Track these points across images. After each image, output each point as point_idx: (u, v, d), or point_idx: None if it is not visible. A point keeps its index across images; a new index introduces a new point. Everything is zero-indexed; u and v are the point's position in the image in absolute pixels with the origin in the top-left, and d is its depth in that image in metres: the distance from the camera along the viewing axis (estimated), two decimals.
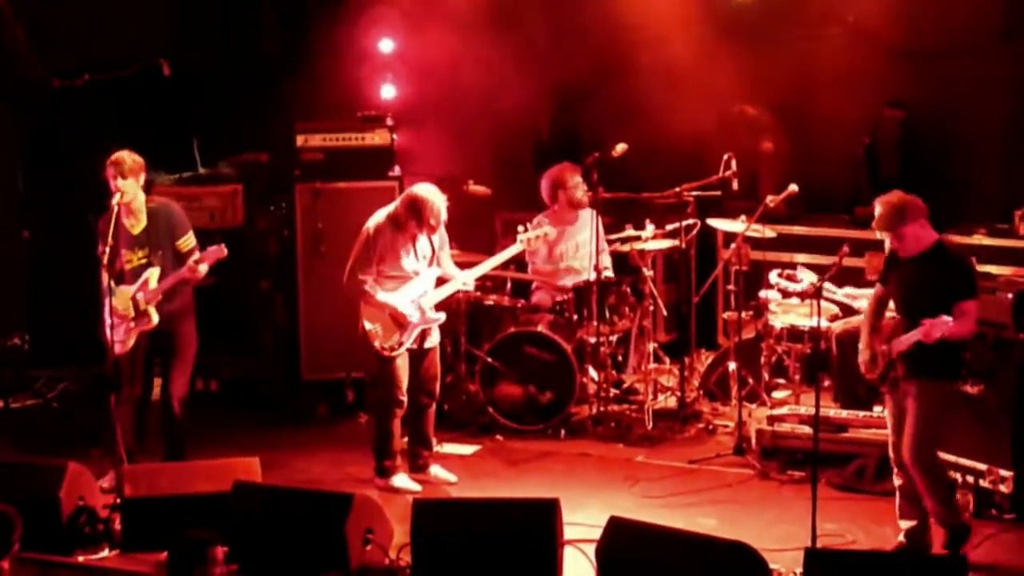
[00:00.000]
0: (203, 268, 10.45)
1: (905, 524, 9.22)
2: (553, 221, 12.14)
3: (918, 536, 9.16)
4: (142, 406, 10.71)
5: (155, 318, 10.48)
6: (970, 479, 9.94)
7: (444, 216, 10.55)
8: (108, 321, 10.32)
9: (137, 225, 10.47)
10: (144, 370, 10.70)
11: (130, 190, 10.34)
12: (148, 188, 10.77)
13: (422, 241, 10.63)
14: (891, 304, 9.23)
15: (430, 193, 10.48)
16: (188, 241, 10.60)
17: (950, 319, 8.60)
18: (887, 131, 13.04)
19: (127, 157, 10.35)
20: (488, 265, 11.27)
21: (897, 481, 9.22)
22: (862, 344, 9.23)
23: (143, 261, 10.46)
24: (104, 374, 10.66)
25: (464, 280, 10.91)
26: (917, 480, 9.07)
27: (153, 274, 10.45)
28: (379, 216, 10.61)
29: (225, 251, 10.46)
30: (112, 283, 10.31)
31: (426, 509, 8.91)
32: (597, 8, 13.55)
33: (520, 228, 11.42)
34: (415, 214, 10.44)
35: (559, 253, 12.39)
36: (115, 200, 10.27)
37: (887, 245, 9.11)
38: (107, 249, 10.16)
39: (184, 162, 13.64)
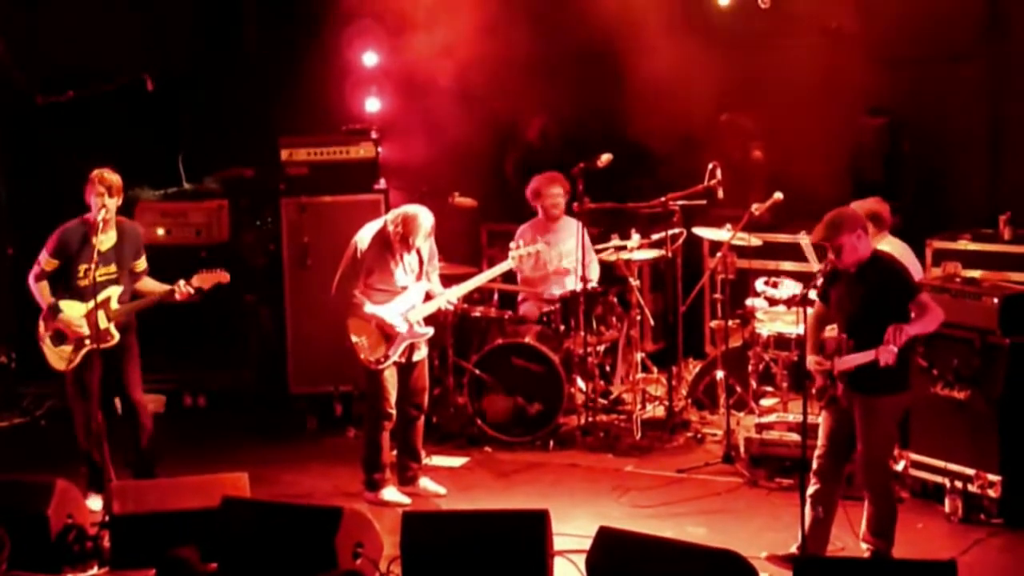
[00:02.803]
0: (188, 289, 10.44)
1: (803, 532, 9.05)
2: (537, 230, 12.20)
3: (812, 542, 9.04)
4: (106, 425, 10.67)
5: (116, 336, 10.45)
6: (958, 484, 9.94)
7: (423, 241, 10.52)
8: (44, 334, 10.41)
9: (106, 241, 10.41)
10: (100, 389, 10.65)
11: (114, 208, 10.34)
12: (134, 204, 10.77)
13: (411, 255, 10.63)
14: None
15: (418, 213, 10.46)
16: (143, 262, 10.62)
17: (894, 348, 8.56)
18: (869, 138, 13.06)
19: (114, 177, 10.32)
20: (476, 282, 11.26)
21: (811, 488, 9.04)
22: (808, 362, 9.13)
23: (106, 278, 10.40)
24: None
25: (448, 298, 10.90)
26: (867, 498, 9.05)
27: (115, 292, 10.41)
28: (368, 230, 10.61)
29: (227, 276, 10.47)
30: (52, 298, 10.34)
31: (416, 522, 8.90)
32: (581, 16, 13.55)
33: (512, 245, 11.43)
34: (402, 232, 10.44)
35: (544, 263, 12.36)
36: (100, 216, 10.24)
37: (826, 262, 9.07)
38: (53, 260, 10.29)
39: (169, 178, 13.64)
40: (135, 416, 10.63)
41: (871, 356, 8.64)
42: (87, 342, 10.35)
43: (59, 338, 10.42)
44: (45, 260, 10.42)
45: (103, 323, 10.37)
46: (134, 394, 10.62)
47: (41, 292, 10.46)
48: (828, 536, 9.15)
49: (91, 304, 10.28)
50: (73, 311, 10.36)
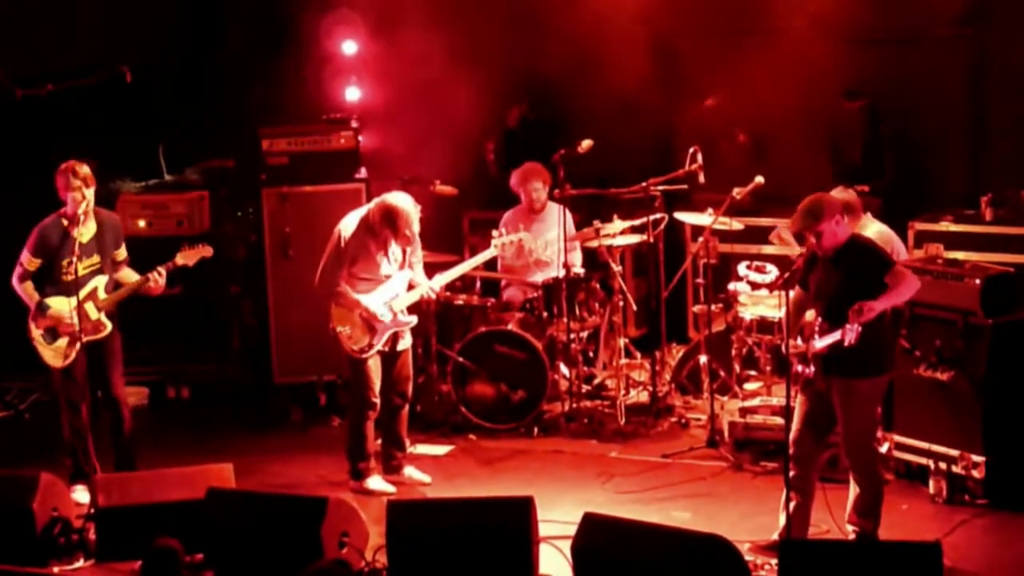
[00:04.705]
0: (162, 281, 10.42)
1: (784, 519, 9.03)
2: (521, 218, 12.20)
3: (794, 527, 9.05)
4: (92, 418, 10.65)
5: (109, 325, 10.43)
6: (942, 465, 9.97)
7: (417, 228, 10.53)
8: (36, 333, 10.38)
9: (86, 233, 10.40)
10: (86, 382, 10.64)
11: (91, 199, 10.31)
12: (115, 197, 10.71)
13: (394, 245, 10.61)
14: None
15: (405, 204, 10.45)
16: (123, 252, 10.60)
17: (857, 326, 8.56)
18: (847, 121, 13.06)
19: (86, 168, 10.29)
20: (458, 271, 11.26)
21: (791, 473, 9.02)
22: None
23: (91, 269, 10.40)
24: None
25: (431, 286, 10.88)
26: (853, 480, 9.09)
27: (101, 282, 10.40)
28: (351, 219, 10.59)
29: (211, 251, 10.47)
30: (38, 295, 10.32)
31: (401, 510, 8.91)
32: (561, 3, 13.55)
33: (495, 233, 11.42)
34: (389, 224, 10.42)
35: (528, 251, 12.36)
36: (81, 209, 10.22)
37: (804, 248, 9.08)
38: (36, 259, 10.28)
39: (150, 169, 13.60)
40: (116, 410, 10.60)
41: (837, 336, 8.65)
42: (81, 335, 10.33)
43: (52, 335, 10.39)
44: (27, 260, 10.39)
45: (94, 314, 10.37)
46: (115, 389, 10.59)
47: (27, 292, 10.42)
48: (808, 520, 9.16)
49: (79, 297, 10.26)
50: (62, 306, 10.33)
